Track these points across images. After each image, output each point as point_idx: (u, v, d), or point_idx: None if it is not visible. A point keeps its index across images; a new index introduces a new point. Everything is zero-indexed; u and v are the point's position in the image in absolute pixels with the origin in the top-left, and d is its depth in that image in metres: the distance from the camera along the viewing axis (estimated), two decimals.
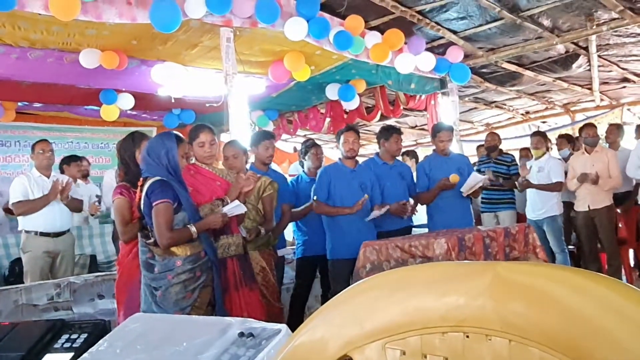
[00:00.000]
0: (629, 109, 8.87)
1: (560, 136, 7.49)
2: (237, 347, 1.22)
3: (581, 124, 7.71)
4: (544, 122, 9.79)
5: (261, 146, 4.52)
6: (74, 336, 1.53)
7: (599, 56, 7.13)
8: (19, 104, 7.12)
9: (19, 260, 5.34)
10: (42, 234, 4.95)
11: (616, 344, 0.61)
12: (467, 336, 0.72)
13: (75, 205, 5.23)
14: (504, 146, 7.86)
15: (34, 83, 5.99)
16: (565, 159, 6.60)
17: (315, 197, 4.53)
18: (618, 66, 7.59)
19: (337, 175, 4.60)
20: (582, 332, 0.64)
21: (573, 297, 0.66)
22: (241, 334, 1.27)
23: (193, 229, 2.96)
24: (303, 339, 0.85)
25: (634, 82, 8.08)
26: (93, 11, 4.19)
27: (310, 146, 5.06)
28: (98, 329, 1.56)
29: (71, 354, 1.44)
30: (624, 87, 8.40)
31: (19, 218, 5.03)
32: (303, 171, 5.08)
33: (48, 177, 5.12)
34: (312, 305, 4.98)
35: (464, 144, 8.88)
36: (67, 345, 1.49)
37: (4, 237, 5.67)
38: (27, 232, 4.98)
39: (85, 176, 6.33)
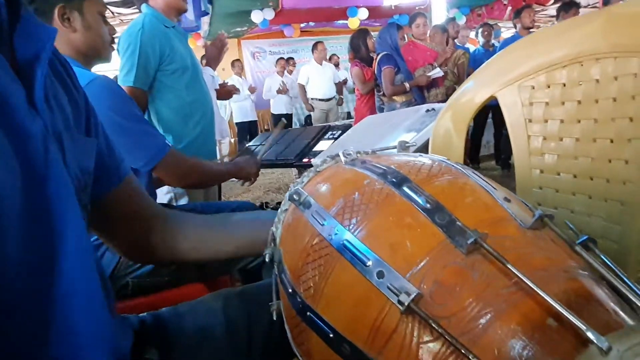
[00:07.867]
0: None
1: None
2: (425, 117, 1.39)
3: None
4: None
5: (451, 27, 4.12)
6: (334, 131, 1.77)
7: None
8: (301, 25, 7.47)
9: (309, 116, 5.99)
10: (320, 100, 5.40)
11: None
12: (582, 64, 0.62)
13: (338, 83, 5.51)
14: None
15: (309, 9, 6.16)
16: None
17: None
18: None
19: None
20: None
21: None
22: (427, 110, 1.44)
23: (407, 85, 2.95)
24: (463, 92, 0.82)
25: None
26: None
27: (484, 30, 4.47)
28: (348, 127, 1.78)
29: (332, 140, 1.68)
30: None
31: (308, 89, 5.47)
32: (480, 45, 4.48)
33: (321, 64, 5.43)
34: None
35: None
36: (331, 136, 1.74)
37: (300, 103, 6.32)
38: (312, 98, 5.46)
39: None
